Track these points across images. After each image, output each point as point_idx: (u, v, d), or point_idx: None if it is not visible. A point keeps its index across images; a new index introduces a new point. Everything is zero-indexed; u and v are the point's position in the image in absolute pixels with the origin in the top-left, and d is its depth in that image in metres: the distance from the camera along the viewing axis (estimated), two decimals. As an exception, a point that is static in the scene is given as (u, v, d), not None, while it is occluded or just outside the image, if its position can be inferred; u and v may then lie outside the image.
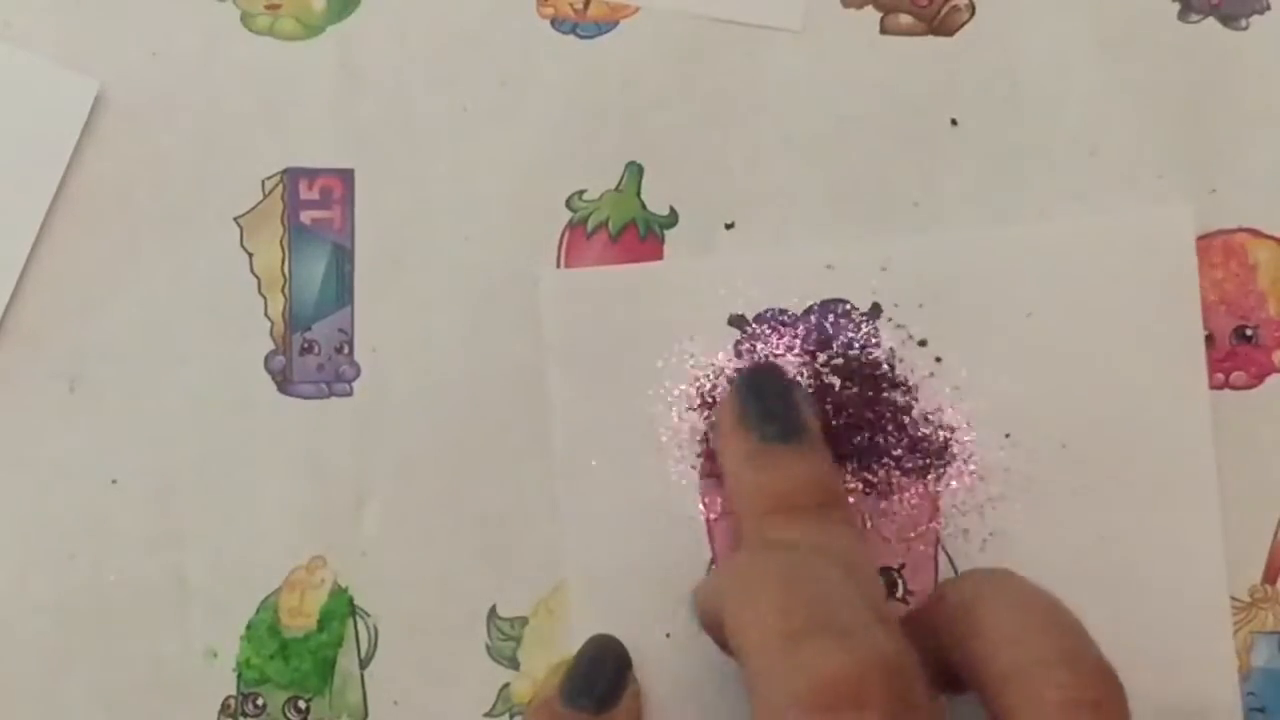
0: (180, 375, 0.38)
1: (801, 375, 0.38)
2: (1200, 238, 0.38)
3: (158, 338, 0.38)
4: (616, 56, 0.39)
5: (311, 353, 0.38)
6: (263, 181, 0.39)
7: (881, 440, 0.37)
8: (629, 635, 0.36)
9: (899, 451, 0.37)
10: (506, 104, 0.39)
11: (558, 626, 0.37)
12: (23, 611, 0.37)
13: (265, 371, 0.38)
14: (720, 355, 0.38)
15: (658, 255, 0.38)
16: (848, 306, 0.38)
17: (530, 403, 0.38)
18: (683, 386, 0.38)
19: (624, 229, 0.39)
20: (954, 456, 0.37)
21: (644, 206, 0.39)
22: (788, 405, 0.35)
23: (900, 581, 0.37)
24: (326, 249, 0.39)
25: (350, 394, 0.38)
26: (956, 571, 0.37)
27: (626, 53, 0.39)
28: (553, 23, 0.39)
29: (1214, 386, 0.37)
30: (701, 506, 0.37)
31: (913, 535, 0.37)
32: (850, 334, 0.38)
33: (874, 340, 0.38)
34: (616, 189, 0.39)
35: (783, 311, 0.38)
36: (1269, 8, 0.39)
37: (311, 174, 0.39)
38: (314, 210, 0.39)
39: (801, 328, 0.38)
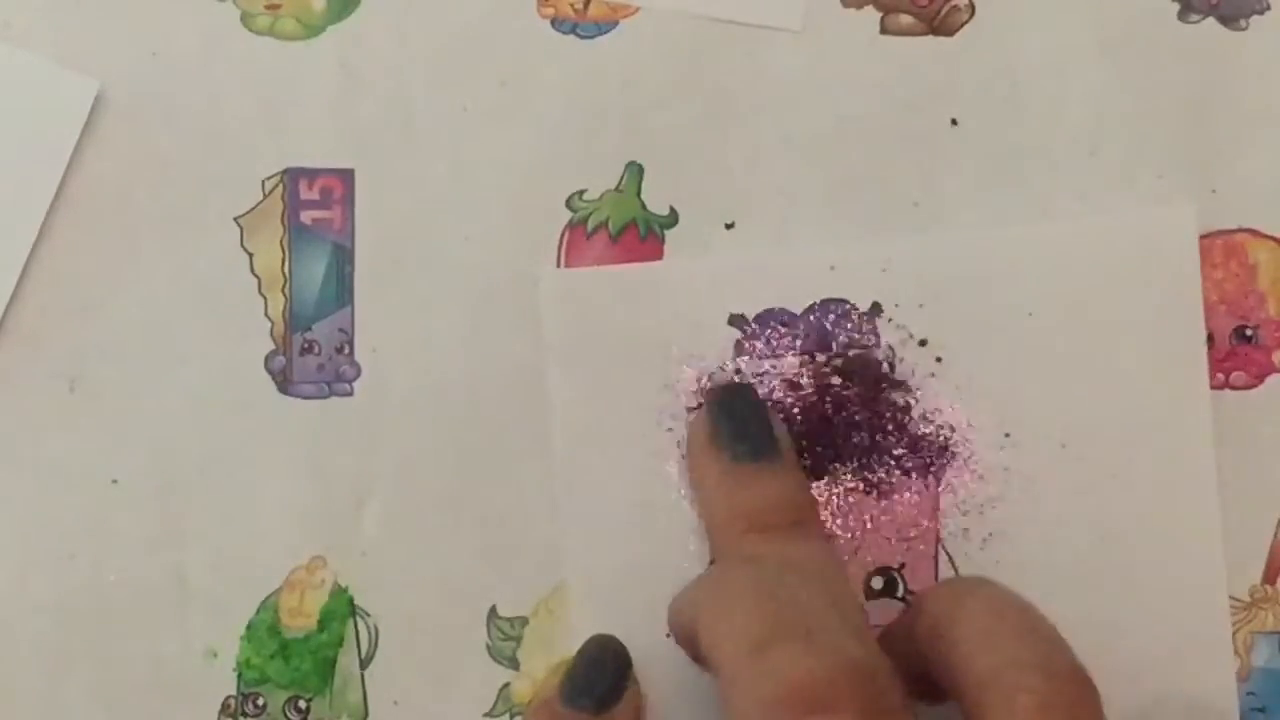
0: (180, 375, 0.38)
1: (802, 375, 0.38)
2: (1200, 238, 0.38)
3: (158, 338, 0.38)
4: (616, 56, 0.39)
5: (311, 353, 0.38)
6: (263, 181, 0.39)
7: (881, 440, 0.37)
8: (629, 635, 0.36)
9: (899, 451, 0.37)
10: (506, 104, 0.39)
11: (558, 626, 0.37)
12: (23, 611, 0.37)
13: (265, 371, 0.38)
14: (720, 355, 0.38)
15: (658, 255, 0.38)
16: (848, 306, 0.38)
17: (530, 403, 0.38)
18: (682, 386, 0.38)
19: (624, 229, 0.39)
20: (954, 456, 0.37)
21: (644, 206, 0.39)
22: (759, 424, 0.35)
23: (900, 581, 0.37)
24: (326, 249, 0.39)
25: (350, 394, 0.38)
26: (957, 571, 0.37)
27: (626, 53, 0.39)
28: (553, 23, 0.39)
29: (1214, 386, 0.37)
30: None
31: (913, 535, 0.37)
32: (850, 334, 0.38)
33: (874, 340, 0.38)
34: (616, 189, 0.39)
35: (783, 311, 0.38)
36: (1269, 8, 0.39)
37: (311, 174, 0.39)
38: (314, 210, 0.39)
39: (801, 328, 0.38)
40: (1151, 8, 0.39)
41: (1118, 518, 0.37)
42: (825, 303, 0.38)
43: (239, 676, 0.38)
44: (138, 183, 0.39)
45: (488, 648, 0.38)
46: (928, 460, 0.37)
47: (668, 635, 0.35)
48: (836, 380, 0.38)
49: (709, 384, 0.38)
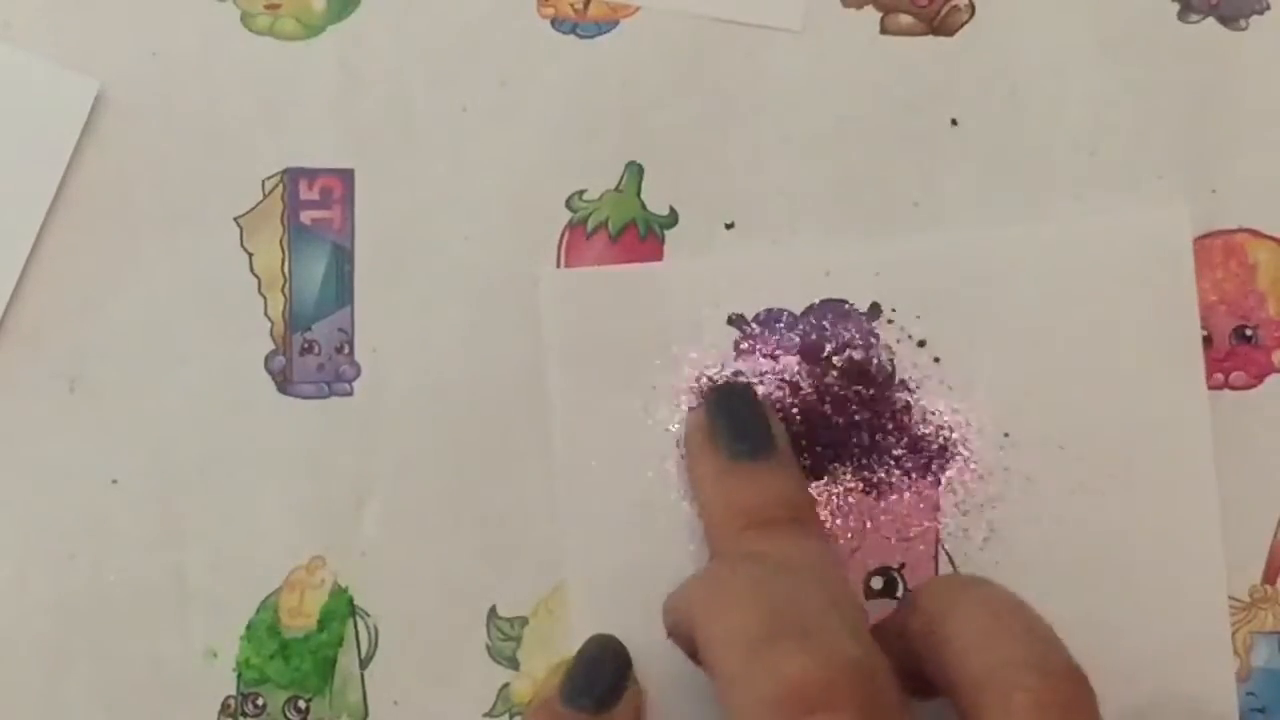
0: (180, 375, 0.38)
1: (802, 375, 0.38)
2: (1200, 238, 0.38)
3: (158, 338, 0.38)
4: (616, 56, 0.39)
5: (311, 353, 0.38)
6: (263, 181, 0.39)
7: (881, 440, 0.37)
8: (629, 635, 0.36)
9: (899, 451, 0.37)
10: (506, 104, 0.39)
11: (558, 626, 0.37)
12: (23, 611, 0.37)
13: (265, 371, 0.38)
14: (720, 355, 0.38)
15: (658, 255, 0.38)
16: (847, 306, 0.38)
17: (530, 403, 0.38)
18: (682, 386, 0.38)
19: (624, 229, 0.39)
20: (954, 456, 0.37)
21: (644, 206, 0.39)
22: (757, 422, 0.35)
23: (900, 581, 0.37)
24: (326, 249, 0.39)
25: (350, 394, 0.38)
26: (956, 571, 0.37)
27: (626, 53, 0.39)
28: (553, 23, 0.39)
29: (1213, 387, 0.37)
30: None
31: (913, 535, 0.37)
32: (850, 334, 0.38)
33: (874, 340, 0.38)
34: (616, 189, 0.39)
35: (783, 311, 0.38)
36: (1269, 8, 0.39)
37: (311, 174, 0.39)
38: (314, 210, 0.39)
39: (801, 328, 0.38)
40: (1151, 8, 0.39)
41: (1118, 518, 0.37)
42: (825, 303, 0.38)
43: (239, 676, 0.38)
44: (138, 183, 0.39)
45: (488, 648, 0.38)
46: (928, 460, 0.37)
47: (668, 635, 0.35)
48: (836, 380, 0.38)
49: (709, 385, 0.38)
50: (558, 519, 0.38)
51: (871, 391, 0.37)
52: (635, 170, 0.39)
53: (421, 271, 0.38)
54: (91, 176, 0.38)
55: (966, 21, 0.39)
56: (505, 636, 0.38)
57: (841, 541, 0.37)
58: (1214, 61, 0.39)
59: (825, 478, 0.37)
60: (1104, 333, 0.37)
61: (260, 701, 0.38)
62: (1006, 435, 0.37)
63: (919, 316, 0.38)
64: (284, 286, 0.38)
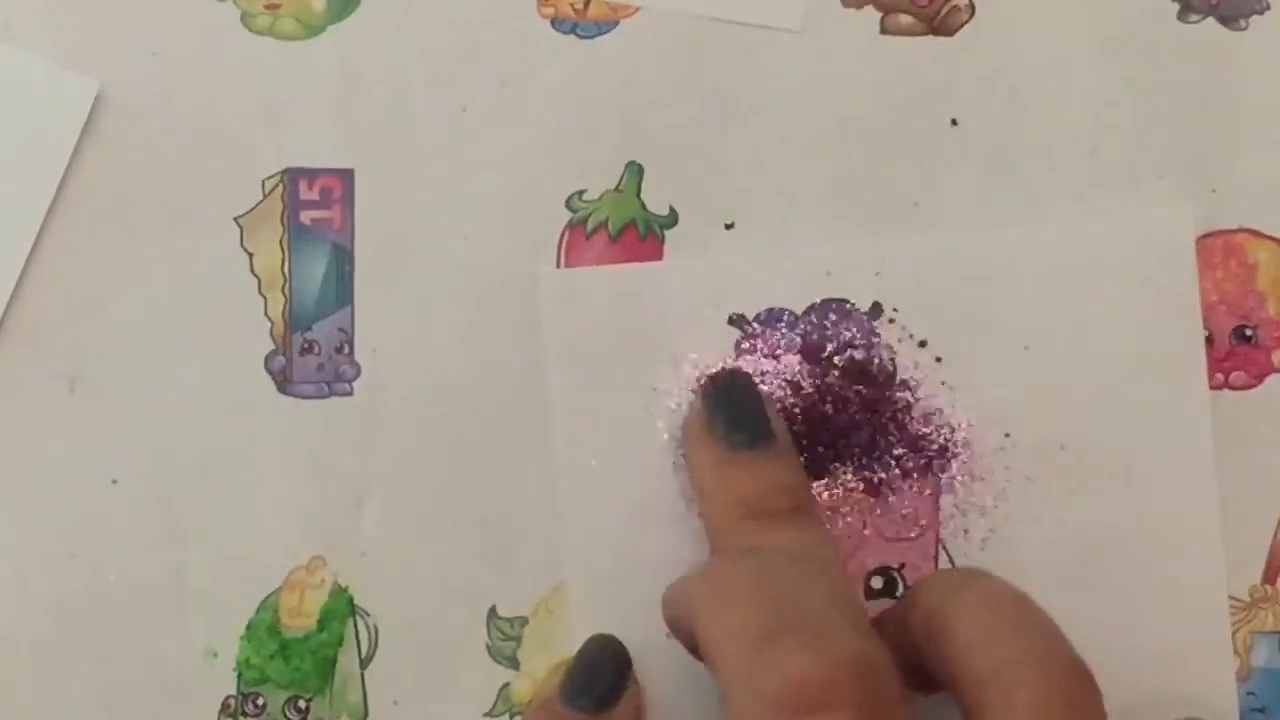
0: (180, 375, 0.38)
1: (802, 375, 0.38)
2: (1200, 238, 0.38)
3: (158, 338, 0.38)
4: (616, 56, 0.39)
5: (311, 353, 0.38)
6: (263, 181, 0.39)
7: (881, 440, 0.37)
8: (629, 635, 0.36)
9: (899, 451, 0.37)
10: (506, 104, 0.39)
11: (558, 626, 0.37)
12: (23, 611, 0.37)
13: (265, 371, 0.38)
14: (720, 355, 0.38)
15: (658, 255, 0.38)
16: (848, 306, 0.38)
17: (530, 403, 0.38)
18: (683, 386, 0.38)
19: (624, 229, 0.39)
20: (954, 456, 0.37)
21: (644, 206, 0.39)
22: (755, 412, 0.35)
23: (900, 581, 0.37)
24: (326, 249, 0.39)
25: (350, 394, 0.38)
26: (943, 569, 0.37)
27: (626, 53, 0.39)
28: (553, 23, 0.39)
29: (1214, 386, 0.37)
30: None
31: (913, 535, 0.37)
32: (850, 334, 0.38)
33: (874, 340, 0.38)
34: (616, 189, 0.39)
35: (783, 311, 0.38)
36: (1269, 8, 0.39)
37: (311, 174, 0.39)
38: (314, 210, 0.39)
39: (801, 328, 0.38)
40: (1151, 8, 0.39)
41: (1118, 518, 0.37)
42: (825, 303, 0.38)
43: (239, 676, 0.38)
44: (138, 183, 0.39)
45: (488, 648, 0.38)
46: (928, 460, 0.37)
47: (668, 635, 0.35)
48: (837, 380, 0.38)
49: (709, 374, 0.37)
50: (558, 519, 0.37)
51: (872, 391, 0.37)
52: (635, 170, 0.39)
53: (421, 271, 0.38)
54: (91, 176, 0.38)
55: (966, 21, 0.39)
56: (505, 636, 0.38)
57: (842, 541, 0.37)
58: (1214, 61, 0.39)
59: (825, 478, 0.37)
60: (1104, 333, 0.37)
61: (260, 701, 0.38)
62: (1006, 435, 0.37)
63: (920, 316, 0.38)
64: (284, 286, 0.38)
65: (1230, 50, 0.39)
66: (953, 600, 0.31)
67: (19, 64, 0.38)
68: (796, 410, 0.37)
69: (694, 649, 0.32)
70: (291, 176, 0.39)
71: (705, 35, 0.39)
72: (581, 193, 0.39)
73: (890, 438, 0.37)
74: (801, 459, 0.37)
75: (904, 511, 0.37)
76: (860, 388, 0.37)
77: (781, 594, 0.30)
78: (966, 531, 0.37)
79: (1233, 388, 0.38)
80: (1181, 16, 0.39)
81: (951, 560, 0.37)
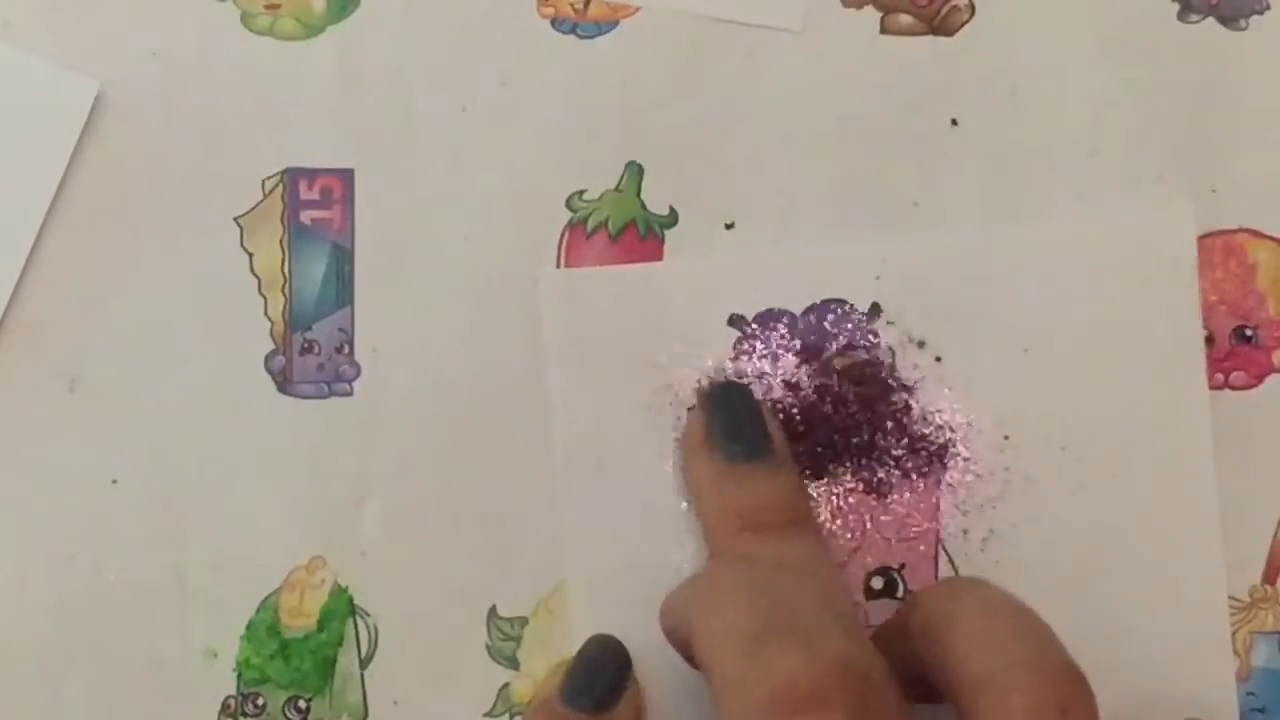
0: (180, 375, 0.38)
1: (802, 375, 0.38)
2: (1200, 238, 0.38)
3: (158, 338, 0.38)
4: (616, 56, 0.39)
5: (311, 353, 0.38)
6: (263, 181, 0.39)
7: (881, 440, 0.37)
8: (628, 635, 0.36)
9: (899, 451, 0.37)
10: (506, 104, 0.39)
11: (558, 626, 0.37)
12: (23, 611, 0.37)
13: (265, 371, 0.38)
14: (720, 355, 0.38)
15: (658, 255, 0.38)
16: (848, 306, 0.38)
17: (530, 403, 0.38)
18: (682, 386, 0.38)
19: (624, 229, 0.39)
20: (954, 456, 0.37)
21: (644, 206, 0.39)
22: (753, 424, 0.35)
23: (900, 581, 0.37)
24: (326, 249, 0.39)
25: (350, 394, 0.38)
26: (956, 572, 0.37)
27: (626, 53, 0.39)
28: (553, 23, 0.39)
29: (1214, 387, 0.37)
30: (701, 506, 0.37)
31: (913, 535, 0.37)
32: (850, 334, 0.38)
33: (874, 340, 0.38)
34: (616, 189, 0.39)
35: (783, 311, 0.38)
36: (1269, 8, 0.39)
37: (311, 174, 0.39)
38: (314, 210, 0.39)
39: (801, 328, 0.38)
40: (1151, 8, 0.39)
41: (1118, 518, 0.37)
42: (825, 303, 0.38)
43: (239, 676, 0.38)
44: (138, 183, 0.39)
45: (488, 648, 0.38)
46: (928, 460, 0.37)
47: (666, 638, 0.35)
48: (836, 380, 0.38)
49: (707, 384, 0.38)
50: (558, 519, 0.38)
51: (871, 392, 0.37)
52: (635, 170, 0.39)
53: (421, 271, 0.38)
54: (91, 176, 0.38)
55: (966, 21, 0.39)
56: (505, 636, 0.38)
57: (841, 542, 0.37)
58: (1214, 61, 0.39)
59: (825, 478, 0.37)
60: (1104, 333, 0.37)
61: (260, 701, 0.38)
62: (1006, 436, 0.37)
63: (919, 317, 0.38)
64: (284, 286, 0.38)
65: (1230, 50, 0.39)
66: (950, 608, 0.31)
67: (19, 64, 0.38)
68: (796, 410, 0.37)
69: (691, 659, 0.32)
70: (291, 176, 0.39)
71: (705, 35, 0.39)
72: (581, 193, 0.39)
73: (890, 438, 0.37)
74: (801, 461, 0.37)
75: (904, 511, 0.37)
76: (860, 388, 0.37)
77: (774, 599, 0.30)
78: (966, 531, 0.37)
79: (1233, 388, 0.38)
80: (1181, 16, 0.39)
81: (951, 560, 0.37)
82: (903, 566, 0.37)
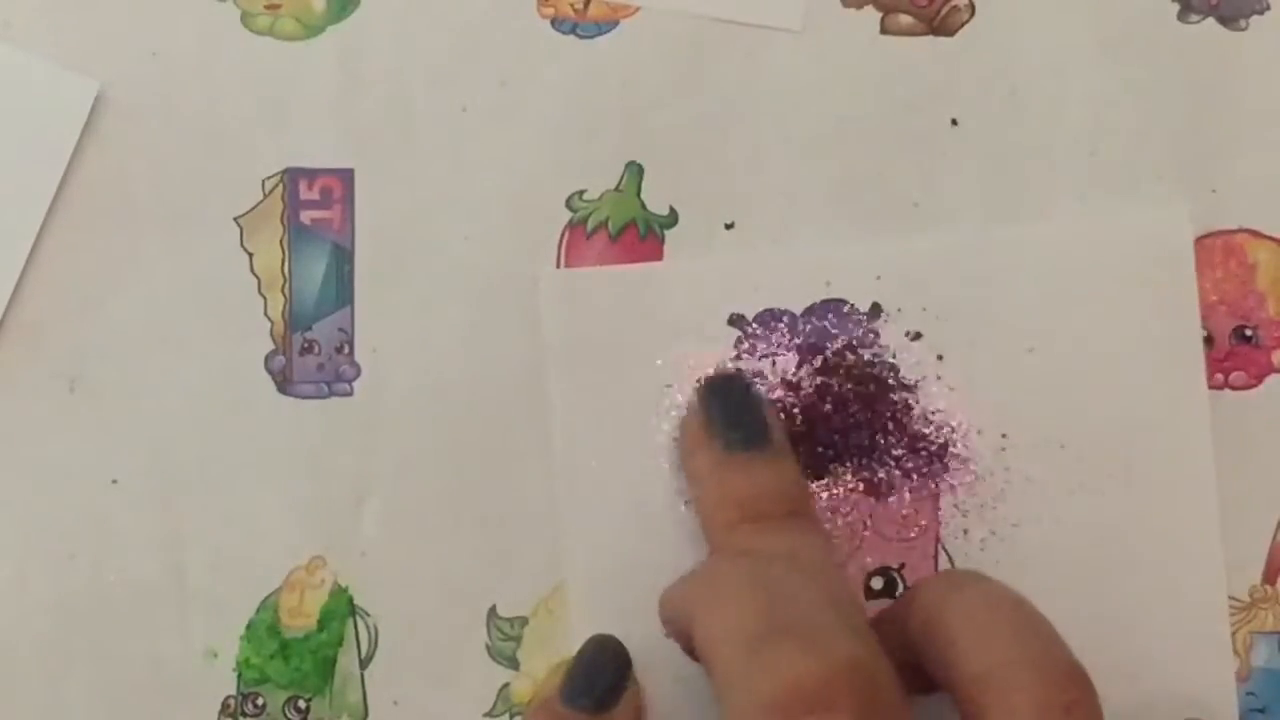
0: (180, 375, 0.38)
1: (802, 375, 0.38)
2: (1200, 238, 0.38)
3: (158, 338, 0.38)
4: (616, 56, 0.39)
5: (311, 353, 0.38)
6: (263, 181, 0.39)
7: (881, 440, 0.37)
8: (629, 635, 0.36)
9: (899, 451, 0.37)
10: (506, 104, 0.39)
11: (558, 626, 0.37)
12: (23, 611, 0.37)
13: (265, 371, 0.38)
14: (720, 355, 0.38)
15: (658, 255, 0.38)
16: (848, 306, 0.38)
17: (530, 403, 0.38)
18: (682, 386, 0.38)
19: (624, 229, 0.39)
20: (954, 456, 0.37)
21: (644, 206, 0.39)
22: (752, 414, 0.35)
23: (900, 581, 0.37)
24: (326, 249, 0.39)
25: (350, 394, 0.38)
26: (940, 571, 0.37)
27: (626, 53, 0.39)
28: (553, 23, 0.39)
29: (1213, 387, 0.37)
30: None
31: (913, 535, 0.37)
32: (850, 334, 0.38)
33: (874, 340, 0.38)
34: (616, 189, 0.39)
35: (783, 311, 0.38)
36: (1269, 8, 0.39)
37: (311, 174, 0.39)
38: (314, 210, 0.39)
39: (801, 327, 0.38)
40: (1151, 8, 0.39)
41: (1118, 518, 0.37)
42: (825, 303, 0.38)
43: (239, 676, 0.38)
44: (138, 183, 0.39)
45: (488, 648, 0.38)
46: (928, 460, 0.37)
47: (667, 635, 0.35)
48: (837, 380, 0.38)
49: (707, 375, 0.37)
50: (558, 519, 0.37)
51: (872, 391, 0.37)
52: (635, 170, 0.39)
53: (421, 271, 0.38)
54: (91, 176, 0.38)
55: (966, 21, 0.39)
56: (505, 636, 0.38)
57: (841, 542, 0.37)
58: (1214, 61, 0.39)
59: (825, 478, 0.37)
60: (1104, 333, 0.37)
61: (260, 701, 0.38)
62: (1006, 436, 0.37)
63: (919, 316, 0.38)
64: (284, 286, 0.38)
65: (1230, 50, 0.39)
66: (951, 602, 0.31)
67: (19, 64, 0.38)
68: (796, 410, 0.37)
69: (690, 650, 0.32)
70: (291, 176, 0.39)
71: (705, 35, 0.39)
72: (581, 193, 0.39)
73: (890, 438, 0.37)
74: (801, 459, 0.37)
75: (904, 511, 0.37)
76: (860, 388, 0.37)
77: (777, 596, 0.30)
78: (966, 531, 0.37)
79: (1233, 388, 0.38)
80: (1181, 16, 0.39)
81: (951, 560, 0.37)
82: (902, 566, 0.37)
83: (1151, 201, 0.38)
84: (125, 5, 0.39)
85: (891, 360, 0.38)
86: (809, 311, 0.38)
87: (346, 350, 0.38)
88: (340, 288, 0.38)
